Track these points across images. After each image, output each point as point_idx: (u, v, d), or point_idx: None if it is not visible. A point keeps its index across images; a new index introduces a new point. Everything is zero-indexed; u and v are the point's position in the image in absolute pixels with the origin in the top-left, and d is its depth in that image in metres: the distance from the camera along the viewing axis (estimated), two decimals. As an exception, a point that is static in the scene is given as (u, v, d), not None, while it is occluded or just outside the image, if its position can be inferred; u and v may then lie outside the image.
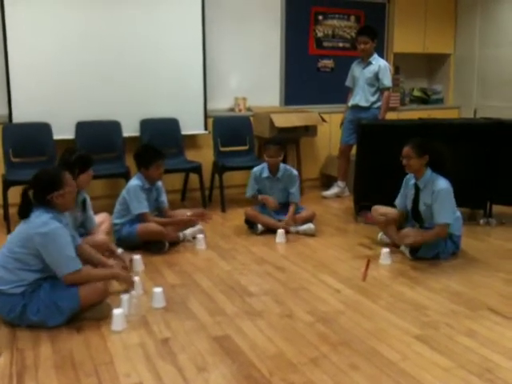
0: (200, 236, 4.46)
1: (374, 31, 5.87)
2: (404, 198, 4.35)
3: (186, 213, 4.64)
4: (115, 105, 5.63)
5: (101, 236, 3.95)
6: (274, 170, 4.88)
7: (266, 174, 4.90)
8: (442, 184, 4.05)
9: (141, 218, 4.32)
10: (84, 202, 3.92)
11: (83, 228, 3.95)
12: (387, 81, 5.81)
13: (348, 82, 6.10)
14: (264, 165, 4.94)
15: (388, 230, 4.39)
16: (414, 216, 4.27)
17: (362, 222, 5.13)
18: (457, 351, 2.78)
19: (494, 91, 7.07)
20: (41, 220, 2.98)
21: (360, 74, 5.90)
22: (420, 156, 4.08)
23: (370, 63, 5.85)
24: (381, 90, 5.83)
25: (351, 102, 5.97)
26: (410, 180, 4.29)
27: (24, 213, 3.05)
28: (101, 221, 4.18)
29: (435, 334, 2.97)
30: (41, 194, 3.04)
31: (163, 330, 3.03)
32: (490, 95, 7.12)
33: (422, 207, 4.17)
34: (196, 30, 5.91)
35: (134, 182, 4.39)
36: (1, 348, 2.83)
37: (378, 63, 5.84)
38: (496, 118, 5.40)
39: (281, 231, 4.66)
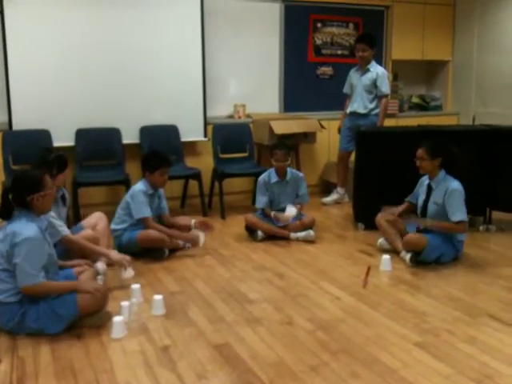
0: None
1: (373, 39, 5.91)
2: (415, 196, 4.43)
3: (191, 220, 4.65)
4: (115, 112, 5.64)
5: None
6: (282, 174, 4.91)
7: (274, 179, 4.91)
8: (456, 185, 4.13)
9: (143, 223, 4.32)
10: (63, 196, 3.99)
11: None
12: (385, 88, 5.83)
13: (346, 89, 6.13)
14: (270, 171, 4.96)
15: (392, 235, 4.41)
16: (422, 215, 4.32)
17: (361, 228, 5.14)
18: (457, 358, 2.78)
19: (492, 98, 7.08)
20: (12, 229, 2.96)
21: (358, 82, 5.92)
22: (433, 158, 4.16)
23: (367, 70, 5.88)
24: (379, 97, 5.85)
25: (349, 109, 6.00)
26: (424, 181, 4.36)
27: (4, 214, 3.05)
28: (94, 222, 4.17)
29: (435, 340, 2.97)
30: (21, 195, 3.02)
31: (163, 337, 3.03)
32: (489, 102, 7.13)
33: (430, 206, 4.22)
34: (195, 37, 5.93)
35: (138, 186, 4.41)
36: (1, 355, 2.83)
37: (376, 70, 5.86)
38: (495, 124, 5.42)
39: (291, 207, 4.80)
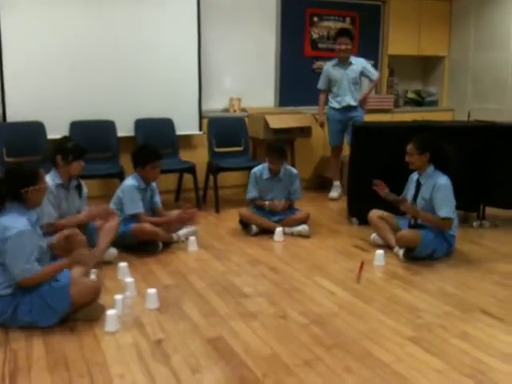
0: (192, 238, 4.46)
1: (352, 33, 6.09)
2: (405, 191, 4.44)
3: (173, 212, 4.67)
4: (110, 104, 5.62)
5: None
6: (275, 173, 4.89)
7: (266, 175, 4.90)
8: (443, 180, 4.14)
9: (135, 219, 4.31)
10: (79, 187, 4.01)
11: None
12: (375, 71, 6.10)
13: (322, 85, 6.13)
14: (264, 165, 4.93)
15: (385, 231, 4.42)
16: None
17: (355, 223, 5.15)
18: (450, 353, 2.79)
19: (487, 94, 7.10)
20: (2, 224, 2.94)
21: (342, 76, 5.97)
22: (421, 153, 4.17)
23: (350, 63, 5.98)
24: (373, 81, 6.06)
25: (342, 104, 5.99)
26: (414, 176, 4.38)
27: None
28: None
29: (429, 335, 2.98)
30: (15, 187, 3.01)
31: (157, 331, 3.02)
32: (484, 98, 7.14)
33: (419, 201, 4.23)
34: (191, 30, 5.90)
35: (130, 181, 4.39)
36: (-7, 348, 2.83)
37: (359, 62, 6.02)
38: (489, 120, 5.43)
39: (279, 229, 4.68)
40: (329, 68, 6.06)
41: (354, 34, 6.07)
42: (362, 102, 6.02)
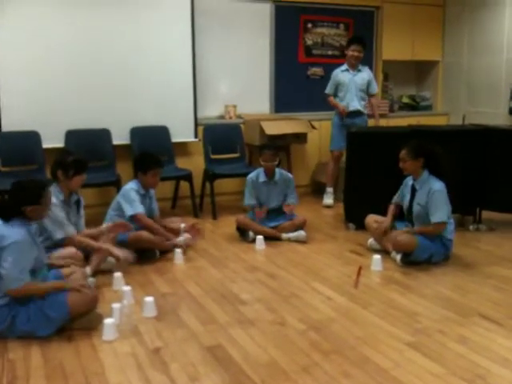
0: (177, 250, 4.36)
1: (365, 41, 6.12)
2: (401, 197, 4.44)
3: (180, 224, 4.62)
4: (105, 113, 5.62)
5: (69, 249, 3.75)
6: (270, 174, 4.90)
7: (262, 178, 4.91)
8: (437, 185, 4.15)
9: (135, 219, 4.29)
10: (78, 202, 3.99)
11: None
12: (376, 87, 6.17)
13: (330, 90, 6.08)
14: (259, 170, 4.95)
15: (381, 238, 4.43)
16: (408, 216, 4.34)
17: (352, 228, 5.15)
18: (448, 358, 2.79)
19: (481, 97, 7.12)
20: (0, 233, 2.96)
21: (351, 81, 5.98)
22: (414, 159, 4.18)
23: (359, 70, 6.01)
24: (371, 95, 6.07)
25: (348, 108, 5.97)
26: (408, 181, 4.38)
27: (2, 215, 3.05)
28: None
29: (427, 340, 2.98)
30: (16, 203, 3.02)
31: (155, 339, 3.02)
32: (478, 101, 7.17)
33: (415, 207, 4.24)
34: (186, 37, 5.91)
35: (130, 185, 4.41)
36: (-9, 359, 2.81)
37: (366, 70, 6.07)
38: (484, 124, 5.45)
39: (260, 237, 4.67)
40: (338, 73, 6.06)
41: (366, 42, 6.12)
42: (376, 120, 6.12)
